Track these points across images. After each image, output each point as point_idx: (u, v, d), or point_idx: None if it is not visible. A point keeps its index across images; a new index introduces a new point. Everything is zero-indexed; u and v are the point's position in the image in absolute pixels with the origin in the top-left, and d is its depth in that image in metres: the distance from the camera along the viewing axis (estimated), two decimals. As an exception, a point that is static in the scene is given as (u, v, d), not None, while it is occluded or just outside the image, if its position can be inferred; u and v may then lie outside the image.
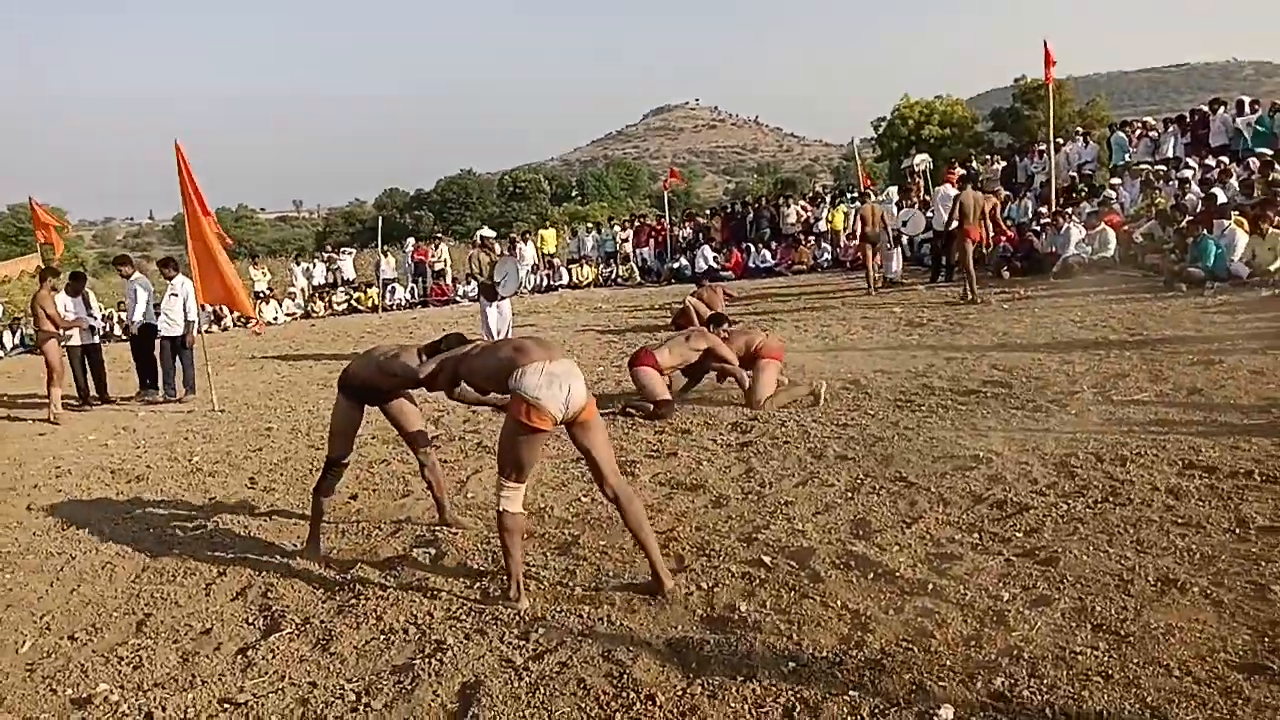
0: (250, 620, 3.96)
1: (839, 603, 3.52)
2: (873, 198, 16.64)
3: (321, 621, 3.82)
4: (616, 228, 24.59)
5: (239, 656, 3.57)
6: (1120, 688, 2.76)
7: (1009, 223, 15.96)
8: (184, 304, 10.39)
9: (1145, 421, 5.71)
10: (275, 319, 21.73)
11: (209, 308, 12.08)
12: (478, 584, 4.09)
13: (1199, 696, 2.68)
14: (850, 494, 4.87)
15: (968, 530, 4.20)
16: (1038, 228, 15.12)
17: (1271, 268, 10.57)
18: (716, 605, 3.62)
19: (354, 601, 3.98)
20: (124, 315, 14.96)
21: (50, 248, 17.82)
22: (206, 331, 11.15)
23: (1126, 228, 13.86)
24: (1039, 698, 2.74)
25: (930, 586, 3.59)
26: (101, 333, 11.20)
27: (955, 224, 14.31)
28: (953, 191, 14.52)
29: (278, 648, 3.60)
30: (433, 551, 4.54)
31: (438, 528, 4.90)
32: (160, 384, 10.64)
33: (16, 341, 20.40)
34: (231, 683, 3.34)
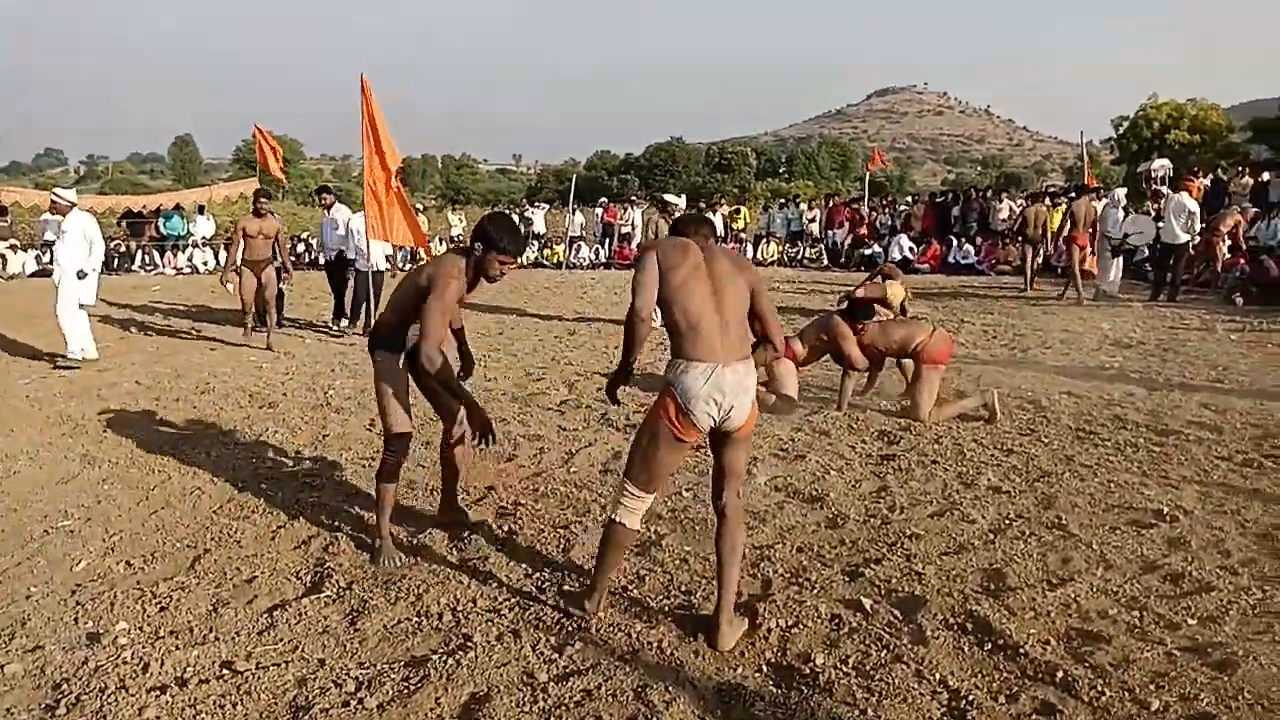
0: (299, 574, 3.73)
1: (938, 676, 2.88)
2: (1047, 201, 15.22)
3: (362, 590, 3.53)
4: (803, 206, 23.65)
5: (266, 615, 3.33)
6: None
7: (1253, 243, 14.11)
8: (346, 233, 10.69)
9: (1390, 499, 4.62)
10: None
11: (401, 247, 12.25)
12: (538, 574, 3.69)
13: None
14: (992, 536, 4.13)
15: (1127, 606, 3.41)
16: (1285, 252, 13.23)
17: None
18: (789, 651, 3.05)
19: (403, 573, 3.68)
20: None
21: (271, 176, 18.94)
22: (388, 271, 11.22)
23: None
24: None
25: (1060, 675, 2.88)
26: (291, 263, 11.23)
27: (1189, 238, 12.82)
28: (1189, 201, 12.92)
29: (306, 612, 3.34)
30: (507, 527, 4.19)
31: (521, 502, 4.54)
32: (337, 313, 11.04)
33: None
34: (243, 645, 3.09)
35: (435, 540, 4.05)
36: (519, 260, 3.75)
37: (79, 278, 8.31)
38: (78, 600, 3.49)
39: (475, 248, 3.68)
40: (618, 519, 3.17)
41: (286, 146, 63.99)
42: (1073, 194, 15.26)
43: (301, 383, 7.65)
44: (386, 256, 10.94)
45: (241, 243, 9.52)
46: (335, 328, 10.91)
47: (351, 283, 10.92)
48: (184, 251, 21.78)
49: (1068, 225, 13.64)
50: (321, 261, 12.46)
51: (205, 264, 21.41)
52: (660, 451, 3.09)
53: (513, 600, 3.43)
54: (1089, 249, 13.79)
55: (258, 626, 3.24)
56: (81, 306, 8.45)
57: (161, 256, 21.51)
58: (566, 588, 3.51)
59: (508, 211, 25.91)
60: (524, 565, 3.78)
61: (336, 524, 4.29)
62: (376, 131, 9.40)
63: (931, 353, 6.38)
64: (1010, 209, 19.84)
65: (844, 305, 6.87)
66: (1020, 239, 15.44)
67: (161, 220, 22.54)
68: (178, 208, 22.95)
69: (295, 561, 3.86)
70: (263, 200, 9.97)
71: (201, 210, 22.99)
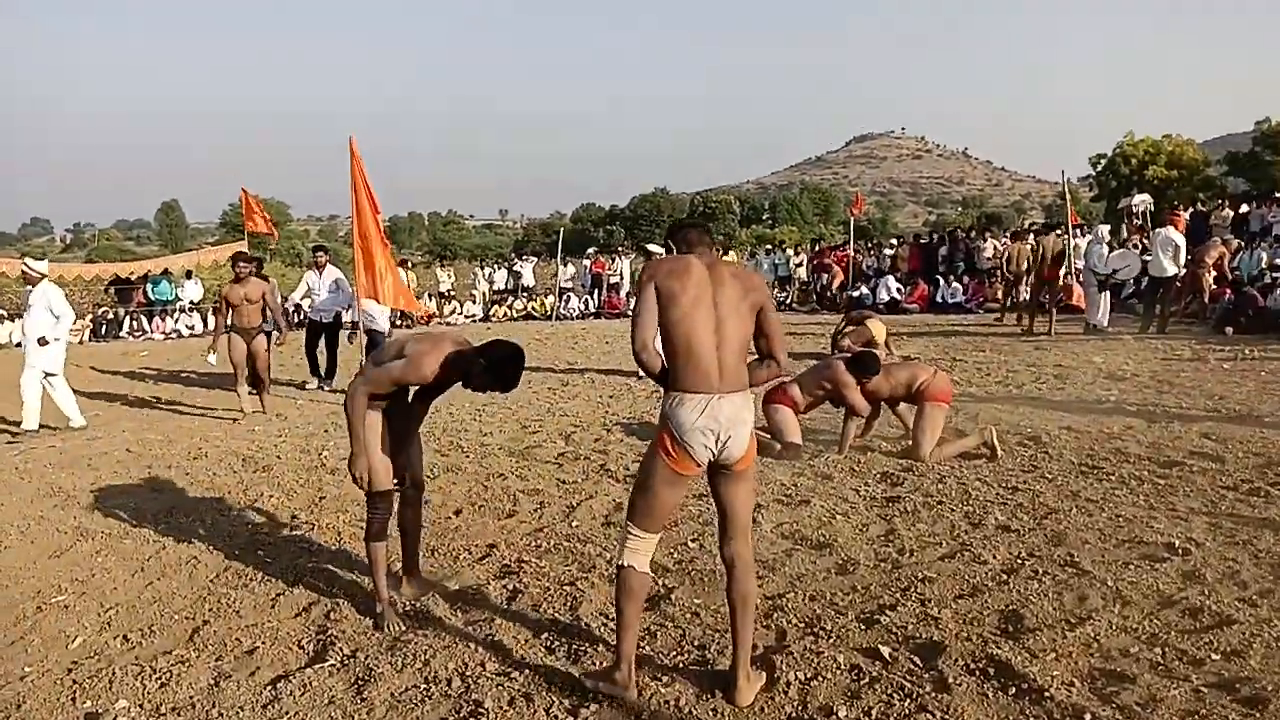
0: (301, 643, 3.62)
1: (963, 723, 2.80)
2: (1031, 239, 15.23)
3: (368, 657, 3.43)
4: (789, 250, 23.86)
5: (269, 687, 3.23)
6: None
7: (1237, 274, 14.25)
8: (339, 293, 10.73)
9: (1400, 524, 4.58)
10: (454, 319, 22.28)
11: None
12: (546, 633, 3.60)
13: None
14: (1006, 577, 4.07)
15: (1148, 643, 3.34)
16: (1269, 280, 13.33)
17: None
18: (810, 704, 2.97)
19: (408, 638, 3.58)
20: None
21: (259, 238, 18.92)
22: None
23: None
24: None
25: (1088, 718, 2.81)
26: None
27: (1177, 270, 12.92)
28: (1176, 235, 13.04)
29: (312, 683, 3.23)
30: (511, 587, 4.10)
31: (525, 559, 4.45)
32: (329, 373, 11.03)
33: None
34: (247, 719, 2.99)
35: (439, 603, 3.96)
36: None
37: (40, 344, 8.33)
38: (74, 679, 3.37)
39: (478, 362, 3.66)
40: (625, 562, 3.05)
41: (273, 209, 64.34)
42: (1039, 232, 15.51)
43: (295, 445, 7.56)
44: (336, 312, 10.98)
45: (226, 311, 9.13)
46: (328, 387, 10.86)
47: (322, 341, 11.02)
48: (172, 316, 21.74)
49: (1035, 262, 14.12)
50: (308, 322, 11.77)
51: (192, 328, 21.35)
52: (658, 488, 3.00)
53: (523, 662, 3.33)
54: (1063, 283, 14.02)
55: (261, 700, 3.14)
56: (49, 376, 8.47)
57: (150, 322, 21.48)
58: (591, 668, 3.28)
59: (501, 265, 26.02)
60: (532, 625, 3.69)
61: (337, 589, 4.19)
62: (364, 195, 9.41)
63: (934, 391, 6.36)
64: (995, 247, 20.01)
65: (848, 357, 6.80)
66: (1005, 276, 15.60)
67: (149, 286, 22.52)
68: (165, 273, 22.94)
69: (296, 630, 3.76)
70: (241, 264, 9.25)
71: (189, 275, 23.00)
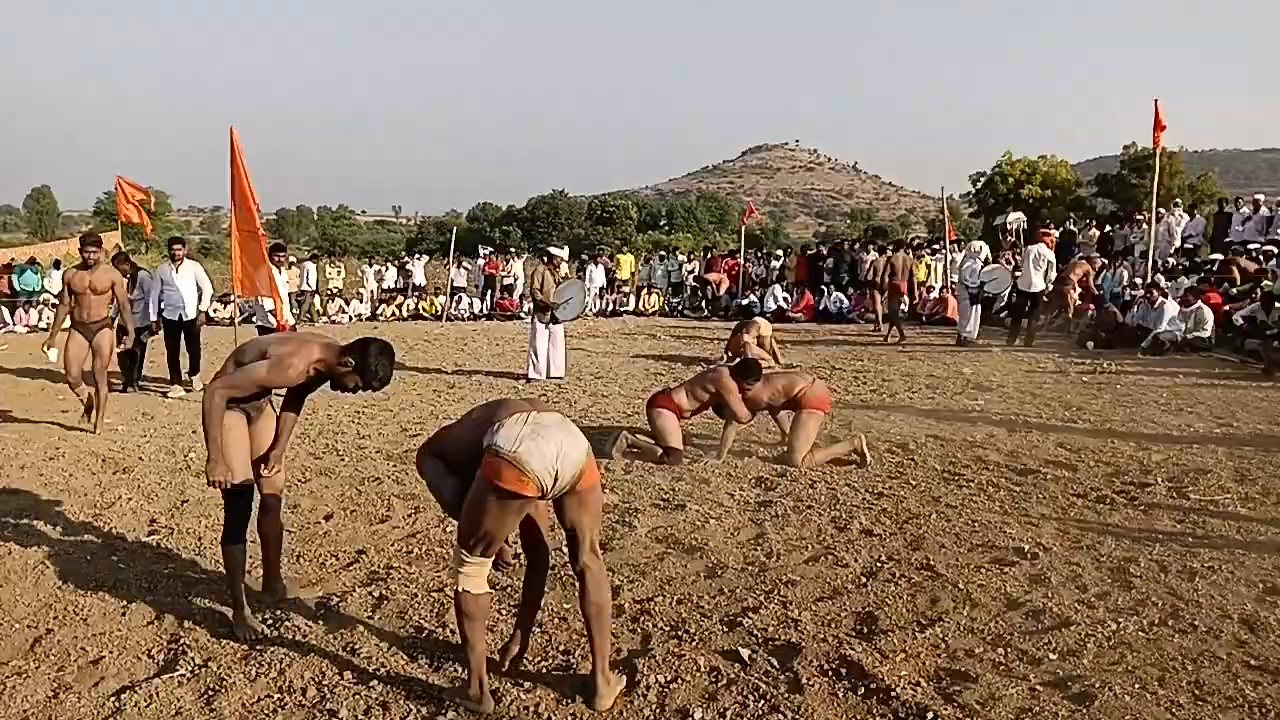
0: (151, 652, 3.50)
1: (812, 723, 2.89)
2: (890, 251, 16.70)
3: (220, 667, 3.33)
4: (682, 257, 24.18)
5: (113, 699, 3.11)
6: None
7: (1100, 291, 15.05)
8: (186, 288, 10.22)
9: (1224, 529, 4.92)
10: (339, 318, 21.76)
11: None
12: (409, 641, 3.56)
13: None
14: (865, 580, 4.22)
15: (992, 643, 3.51)
16: (1129, 298, 14.13)
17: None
18: (667, 707, 3.02)
19: (264, 647, 3.49)
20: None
21: (134, 228, 18.11)
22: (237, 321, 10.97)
23: (1227, 308, 12.80)
24: None
25: (930, 716, 2.93)
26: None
27: (1046, 286, 13.56)
28: (1046, 252, 13.69)
29: (158, 694, 3.12)
30: (377, 594, 4.04)
31: (394, 565, 4.39)
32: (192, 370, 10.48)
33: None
34: (85, 733, 2.87)
35: (301, 610, 3.87)
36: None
37: None
38: (-102, 693, 3.18)
39: (346, 362, 3.62)
40: (464, 588, 2.97)
41: (154, 198, 61.59)
42: (890, 248, 17.01)
43: (160, 446, 7.26)
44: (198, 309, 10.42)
45: (69, 300, 8.06)
46: (192, 387, 10.27)
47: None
48: (37, 308, 20.61)
49: (887, 275, 15.53)
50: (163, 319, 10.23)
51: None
52: (493, 515, 2.91)
53: (382, 671, 3.29)
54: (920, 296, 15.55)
55: (103, 712, 3.02)
56: None
57: (13, 314, 20.29)
58: (455, 674, 3.25)
59: (391, 263, 25.48)
60: (394, 633, 3.64)
61: (193, 596, 4.05)
62: (243, 185, 9.13)
63: (813, 399, 6.54)
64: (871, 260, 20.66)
65: (735, 364, 6.91)
66: (874, 288, 16.51)
67: (14, 275, 21.31)
68: (32, 261, 21.74)
69: (147, 639, 3.62)
70: (90, 249, 8.10)
71: (58, 265, 21.82)
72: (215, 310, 13.47)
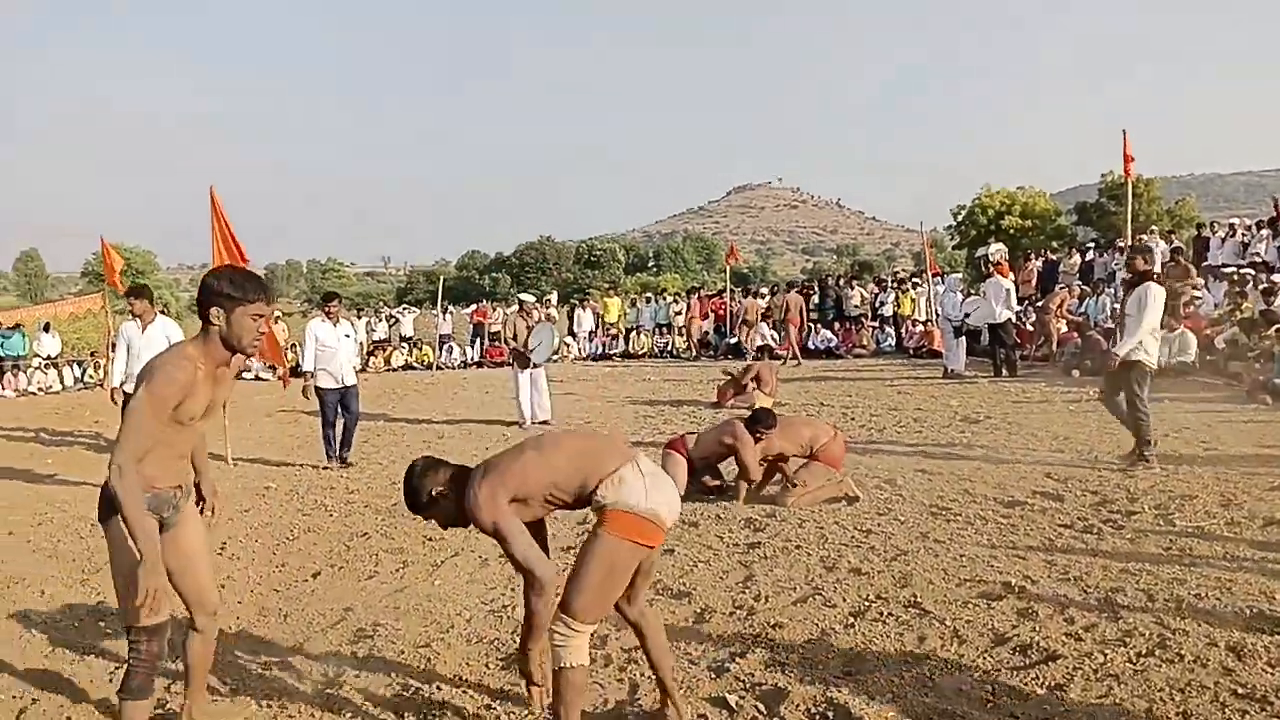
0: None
1: (800, 769, 2.89)
2: (780, 288, 19.59)
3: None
4: (669, 299, 24.39)
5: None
6: None
7: (1083, 318, 15.19)
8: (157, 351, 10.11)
9: (1210, 555, 4.94)
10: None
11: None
12: (398, 699, 3.54)
13: None
14: (853, 619, 4.21)
15: (980, 680, 3.51)
16: (1112, 325, 14.24)
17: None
18: (654, 757, 3.02)
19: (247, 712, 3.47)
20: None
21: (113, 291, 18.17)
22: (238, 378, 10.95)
23: (1209, 332, 12.93)
24: None
25: (917, 757, 2.94)
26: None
27: (1009, 314, 13.70)
28: (1004, 281, 13.85)
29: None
30: (363, 652, 4.02)
31: (381, 622, 4.38)
32: None
33: (78, 376, 20.80)
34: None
35: (288, 668, 3.85)
36: (273, 304, 3.00)
37: None
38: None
39: (212, 314, 2.84)
40: (570, 663, 2.82)
41: (140, 257, 61.72)
42: (782, 288, 20.11)
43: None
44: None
45: None
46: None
47: None
48: (25, 373, 20.56)
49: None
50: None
51: (49, 387, 20.22)
52: (619, 578, 2.89)
53: (369, 731, 3.28)
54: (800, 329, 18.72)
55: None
56: None
57: (0, 378, 20.24)
58: None
59: (380, 314, 25.57)
60: (381, 692, 3.62)
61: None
62: (227, 243, 9.21)
63: (829, 455, 6.57)
64: (862, 295, 20.81)
65: (746, 416, 6.89)
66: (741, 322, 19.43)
67: (-1, 339, 21.30)
68: (17, 326, 21.72)
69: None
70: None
71: (46, 328, 21.83)
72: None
